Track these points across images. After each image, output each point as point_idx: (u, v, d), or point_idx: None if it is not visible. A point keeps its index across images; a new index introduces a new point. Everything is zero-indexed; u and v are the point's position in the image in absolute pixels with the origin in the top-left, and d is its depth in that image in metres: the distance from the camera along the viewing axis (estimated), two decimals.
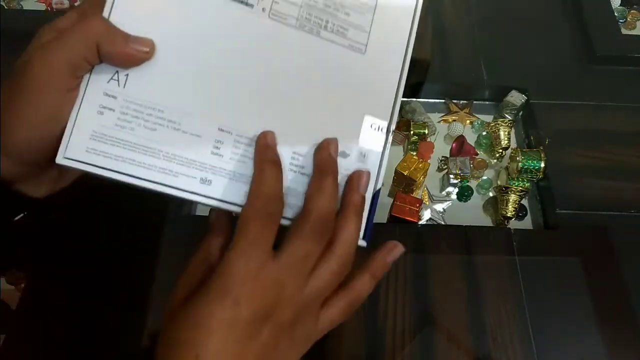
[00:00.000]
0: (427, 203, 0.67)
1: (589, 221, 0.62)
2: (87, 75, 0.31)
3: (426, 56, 0.77)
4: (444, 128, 0.74)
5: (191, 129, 0.32)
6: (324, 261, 0.30)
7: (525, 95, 0.72)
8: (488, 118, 0.75)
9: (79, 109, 0.31)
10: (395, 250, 0.34)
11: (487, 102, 0.76)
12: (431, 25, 0.80)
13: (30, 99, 0.29)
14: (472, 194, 0.68)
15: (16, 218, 0.32)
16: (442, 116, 0.75)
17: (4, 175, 0.29)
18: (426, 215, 0.66)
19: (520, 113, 0.74)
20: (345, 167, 0.34)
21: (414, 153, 0.68)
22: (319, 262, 0.30)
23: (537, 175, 0.65)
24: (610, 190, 0.65)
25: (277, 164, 0.31)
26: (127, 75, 0.32)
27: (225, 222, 0.33)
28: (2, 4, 0.84)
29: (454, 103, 0.76)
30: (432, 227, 0.65)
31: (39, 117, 0.29)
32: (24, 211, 0.32)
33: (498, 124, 0.69)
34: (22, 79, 0.29)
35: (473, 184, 0.69)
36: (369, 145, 0.36)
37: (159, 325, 0.53)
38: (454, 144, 0.71)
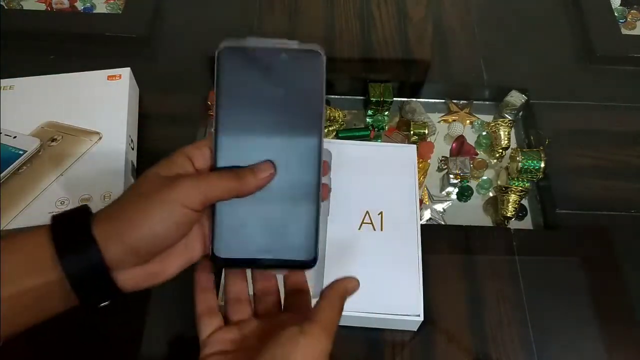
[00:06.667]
0: (427, 203, 0.67)
1: (589, 221, 0.62)
2: None
3: (426, 56, 0.77)
4: (444, 128, 0.74)
5: None
6: None
7: (525, 95, 0.72)
8: (488, 118, 0.75)
9: None
10: None
11: (487, 102, 0.76)
12: (431, 26, 0.80)
13: (157, 210, 0.32)
14: (472, 194, 0.68)
15: (101, 305, 0.34)
16: (442, 116, 0.75)
17: (111, 259, 0.31)
18: (426, 215, 0.66)
19: (520, 113, 0.74)
20: None
21: None
22: None
23: (537, 175, 0.65)
24: (610, 190, 0.65)
25: None
26: None
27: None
28: (2, 4, 0.84)
29: (454, 103, 0.76)
30: (432, 227, 0.65)
31: (161, 227, 0.32)
32: (109, 300, 0.34)
33: (498, 124, 0.69)
34: (161, 190, 0.32)
35: (473, 184, 0.69)
36: None
37: (158, 325, 0.53)
38: (454, 144, 0.71)
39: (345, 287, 0.35)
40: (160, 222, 0.32)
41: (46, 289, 0.32)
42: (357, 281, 0.35)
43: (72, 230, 0.32)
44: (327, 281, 0.51)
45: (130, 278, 0.33)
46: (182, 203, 0.32)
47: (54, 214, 0.33)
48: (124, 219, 0.32)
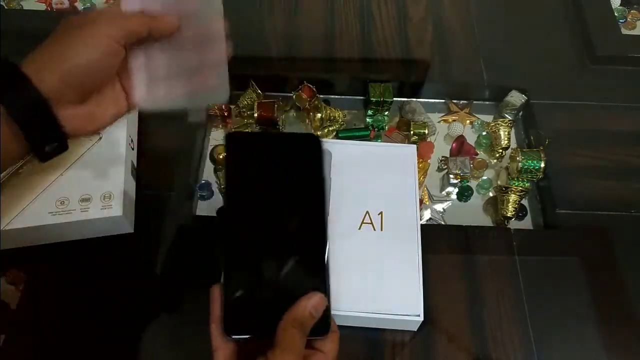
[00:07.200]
0: (427, 203, 0.67)
1: (589, 221, 0.62)
2: None
3: (426, 56, 0.77)
4: (444, 128, 0.74)
5: None
6: None
7: (525, 95, 0.72)
8: (488, 118, 0.75)
9: None
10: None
11: (487, 102, 0.76)
12: (431, 26, 0.80)
13: (84, 41, 0.34)
14: (472, 194, 0.68)
15: (47, 148, 0.35)
16: (442, 116, 0.75)
17: (48, 90, 0.33)
18: (426, 215, 0.66)
19: (520, 113, 0.74)
20: None
21: None
22: None
23: (537, 175, 0.65)
24: (610, 190, 0.65)
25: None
26: None
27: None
28: (2, 4, 0.84)
29: (454, 103, 0.76)
30: (432, 227, 0.65)
31: (89, 55, 0.34)
32: (55, 142, 0.35)
33: (498, 124, 0.69)
34: (84, 26, 0.35)
35: (473, 184, 0.69)
36: None
37: (157, 324, 0.53)
38: (454, 144, 0.71)
39: (302, 309, 0.35)
40: (88, 52, 0.34)
41: None
42: (319, 297, 0.36)
43: (3, 73, 0.33)
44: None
45: (70, 116, 0.35)
46: (106, 34, 0.35)
47: None
48: (52, 53, 0.34)
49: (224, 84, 0.42)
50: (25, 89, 0.32)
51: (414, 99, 0.75)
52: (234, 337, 0.35)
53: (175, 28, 0.39)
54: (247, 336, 0.35)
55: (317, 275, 0.37)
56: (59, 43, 0.34)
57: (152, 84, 0.40)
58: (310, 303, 0.35)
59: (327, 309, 0.36)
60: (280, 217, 0.38)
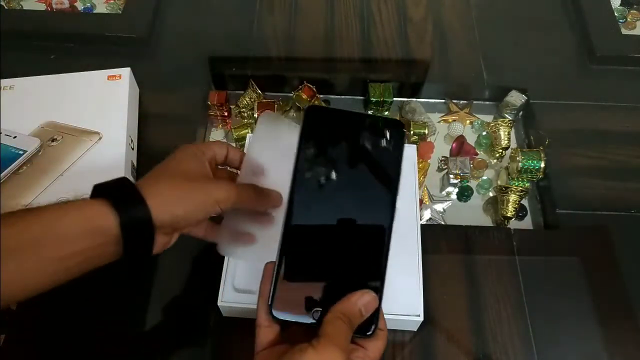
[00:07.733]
0: (427, 203, 0.67)
1: (589, 221, 0.62)
2: None
3: (426, 56, 0.77)
4: (444, 128, 0.74)
5: None
6: None
7: (525, 95, 0.72)
8: (488, 118, 0.75)
9: None
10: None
11: (487, 102, 0.76)
12: (431, 25, 0.80)
13: (199, 201, 0.40)
14: (472, 194, 0.68)
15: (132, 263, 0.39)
16: (442, 116, 0.75)
17: (159, 222, 0.38)
18: (426, 215, 0.66)
19: (520, 113, 0.74)
20: None
21: None
22: None
23: (537, 175, 0.65)
24: (610, 190, 0.65)
25: None
26: None
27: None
28: (2, 4, 0.84)
29: (454, 103, 0.76)
30: (432, 227, 0.65)
31: (198, 210, 0.40)
32: (143, 256, 0.39)
33: (498, 124, 0.69)
34: (207, 186, 0.41)
35: (473, 184, 0.69)
36: None
37: (158, 323, 0.53)
38: (454, 144, 0.71)
39: (352, 304, 0.35)
40: (198, 210, 0.40)
41: (99, 243, 0.36)
42: (371, 296, 0.35)
43: (127, 192, 0.38)
44: None
45: (158, 241, 0.40)
46: (217, 200, 0.40)
47: (96, 184, 0.39)
48: (172, 194, 0.39)
49: (267, 252, 0.38)
50: (144, 214, 0.37)
51: (414, 99, 0.75)
52: (278, 318, 0.35)
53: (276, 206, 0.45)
54: (291, 320, 0.35)
55: (374, 274, 0.36)
56: (179, 187, 0.40)
57: (233, 236, 0.45)
58: (361, 300, 0.35)
59: (377, 311, 0.35)
60: (347, 204, 0.36)
